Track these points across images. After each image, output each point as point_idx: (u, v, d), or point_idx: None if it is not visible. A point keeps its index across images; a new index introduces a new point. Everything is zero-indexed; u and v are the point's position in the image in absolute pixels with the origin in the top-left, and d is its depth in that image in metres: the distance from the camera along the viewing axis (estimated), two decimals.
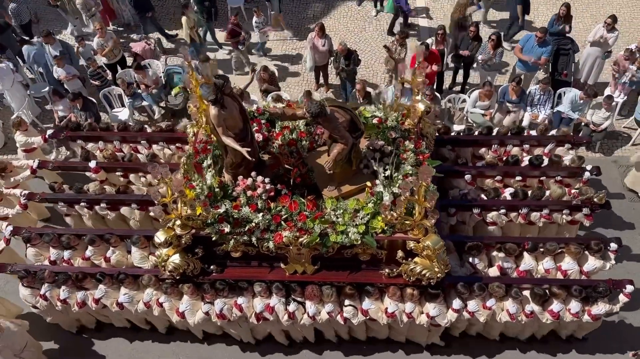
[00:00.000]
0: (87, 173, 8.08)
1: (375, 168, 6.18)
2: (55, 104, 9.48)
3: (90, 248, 7.16)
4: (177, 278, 6.58)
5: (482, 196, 7.47)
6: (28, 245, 7.25)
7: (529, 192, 7.43)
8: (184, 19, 10.30)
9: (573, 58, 9.94)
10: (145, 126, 8.47)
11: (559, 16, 9.83)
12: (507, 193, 7.49)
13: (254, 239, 6.20)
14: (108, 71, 10.40)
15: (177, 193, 5.65)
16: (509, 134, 8.00)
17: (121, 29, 12.04)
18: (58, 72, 9.81)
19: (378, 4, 12.11)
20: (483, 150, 8.07)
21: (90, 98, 9.74)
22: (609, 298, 6.63)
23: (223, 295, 6.68)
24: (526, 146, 7.96)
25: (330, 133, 5.83)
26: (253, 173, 6.21)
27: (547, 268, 6.86)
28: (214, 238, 6.24)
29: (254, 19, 10.53)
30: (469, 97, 9.44)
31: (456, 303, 6.61)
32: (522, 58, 9.72)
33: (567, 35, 9.89)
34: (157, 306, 6.78)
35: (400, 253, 6.34)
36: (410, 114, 6.77)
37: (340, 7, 12.28)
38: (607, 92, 9.72)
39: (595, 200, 7.10)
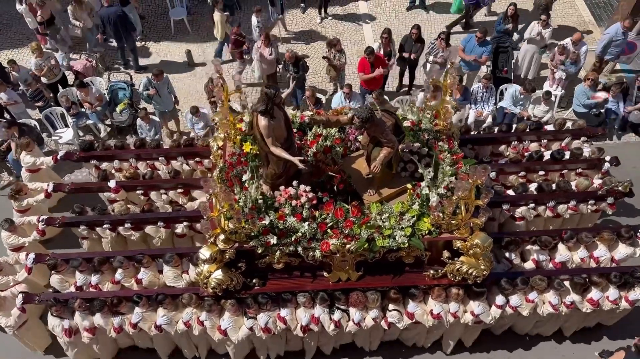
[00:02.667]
0: (105, 194, 7.81)
1: (420, 170, 6.18)
2: None
3: (120, 270, 6.90)
4: (220, 294, 6.40)
5: (509, 192, 7.58)
6: (52, 272, 6.93)
7: (554, 186, 7.58)
8: (217, 15, 10.19)
9: (512, 55, 10.21)
10: (162, 142, 8.25)
11: (507, 15, 10.09)
12: (532, 188, 7.63)
13: (299, 249, 6.10)
14: (49, 90, 10.01)
15: (227, 207, 5.51)
16: (527, 130, 8.16)
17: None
18: (0, 97, 9.39)
19: (322, 11, 12.23)
20: (502, 147, 8.21)
21: (30, 121, 9.38)
22: None
23: (266, 309, 6.54)
24: (544, 141, 8.13)
25: (377, 137, 5.80)
26: (294, 183, 6.13)
27: (582, 257, 7.01)
28: (259, 251, 6.11)
29: (254, 19, 10.45)
30: (417, 98, 9.50)
31: (499, 299, 6.66)
32: (465, 58, 9.90)
33: (509, 33, 10.14)
34: (198, 324, 6.58)
35: (446, 254, 6.35)
36: (441, 115, 6.82)
37: (285, 15, 12.16)
38: (546, 86, 10.11)
39: (620, 188, 7.31)
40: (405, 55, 9.88)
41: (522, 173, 7.79)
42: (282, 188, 6.13)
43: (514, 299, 6.67)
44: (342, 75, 10.03)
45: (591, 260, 7.06)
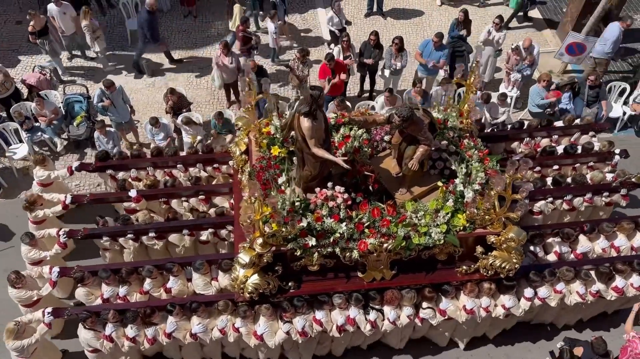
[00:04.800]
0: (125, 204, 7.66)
1: (454, 167, 6.29)
2: None
3: (148, 280, 6.79)
4: (256, 299, 6.36)
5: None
6: (78, 285, 6.76)
7: (569, 179, 7.81)
8: (236, 6, 10.21)
9: (468, 59, 10.47)
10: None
11: (459, 21, 10.33)
12: (549, 182, 7.84)
13: (337, 250, 6.12)
14: (1, 106, 9.72)
15: (270, 209, 5.51)
16: (538, 127, 8.39)
17: None
18: None
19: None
20: (515, 144, 8.40)
21: None
22: None
23: (301, 312, 6.53)
24: (554, 137, 8.37)
25: (414, 135, 5.89)
26: (329, 184, 6.16)
27: (603, 248, 7.22)
28: (297, 253, 6.10)
29: (270, 25, 10.49)
30: (377, 103, 9.54)
31: (528, 292, 6.81)
32: (422, 62, 10.03)
33: (463, 38, 10.36)
34: (234, 331, 6.52)
35: (479, 249, 6.46)
36: (466, 114, 6.96)
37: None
38: (502, 87, 10.42)
39: (633, 180, 7.58)
40: (365, 61, 9.96)
41: (537, 168, 7.99)
42: (317, 189, 6.15)
43: (543, 291, 6.82)
44: (305, 85, 9.98)
45: (612, 250, 7.28)
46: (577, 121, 8.60)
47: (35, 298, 6.86)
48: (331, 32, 11.37)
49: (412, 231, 6.13)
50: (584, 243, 7.22)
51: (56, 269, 6.77)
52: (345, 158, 5.77)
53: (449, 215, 6.18)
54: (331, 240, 6.05)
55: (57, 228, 7.27)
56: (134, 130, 9.82)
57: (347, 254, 6.16)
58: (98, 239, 7.33)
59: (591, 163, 8.09)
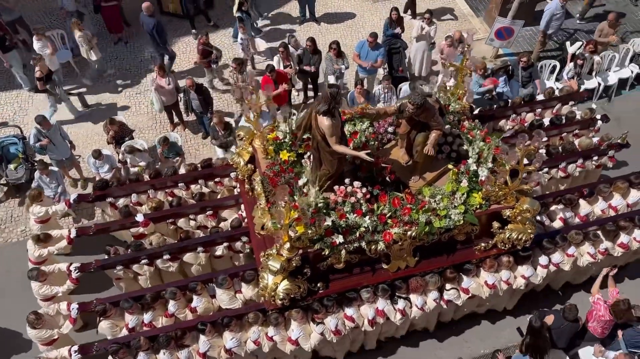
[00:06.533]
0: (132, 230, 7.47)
1: (465, 147, 6.47)
2: None
3: (172, 302, 6.65)
4: (287, 304, 6.33)
5: None
6: (101, 318, 6.55)
7: (560, 149, 8.17)
8: None
9: (404, 54, 10.66)
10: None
11: (392, 20, 10.55)
12: (543, 153, 8.16)
13: (363, 244, 6.18)
14: None
15: (299, 212, 5.52)
16: (521, 103, 8.73)
17: None
18: None
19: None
20: (502, 122, 8.71)
21: None
22: None
23: (332, 311, 6.55)
24: (538, 111, 8.73)
25: (426, 122, 6.03)
26: (347, 180, 6.22)
27: (602, 209, 7.59)
28: (325, 253, 6.12)
29: (240, 35, 10.42)
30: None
31: (543, 259, 7.08)
32: (361, 64, 10.08)
33: (397, 36, 10.59)
34: (268, 341, 6.47)
35: (496, 224, 6.66)
36: (462, 97, 7.17)
37: (178, 43, 12.02)
38: (440, 79, 10.45)
39: (619, 141, 7.99)
40: (305, 68, 10.01)
41: (527, 142, 8.29)
42: (336, 187, 6.20)
43: (556, 257, 7.11)
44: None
45: (610, 210, 7.65)
46: (557, 93, 8.99)
47: (55, 337, 6.59)
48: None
49: (433, 216, 6.27)
50: (584, 207, 7.55)
51: (75, 305, 6.54)
52: (369, 151, 5.83)
53: (465, 195, 6.35)
54: (357, 234, 6.11)
55: (68, 264, 7.00)
56: (77, 166, 9.39)
57: (373, 246, 6.23)
58: (111, 269, 7.12)
59: (576, 131, 8.47)
